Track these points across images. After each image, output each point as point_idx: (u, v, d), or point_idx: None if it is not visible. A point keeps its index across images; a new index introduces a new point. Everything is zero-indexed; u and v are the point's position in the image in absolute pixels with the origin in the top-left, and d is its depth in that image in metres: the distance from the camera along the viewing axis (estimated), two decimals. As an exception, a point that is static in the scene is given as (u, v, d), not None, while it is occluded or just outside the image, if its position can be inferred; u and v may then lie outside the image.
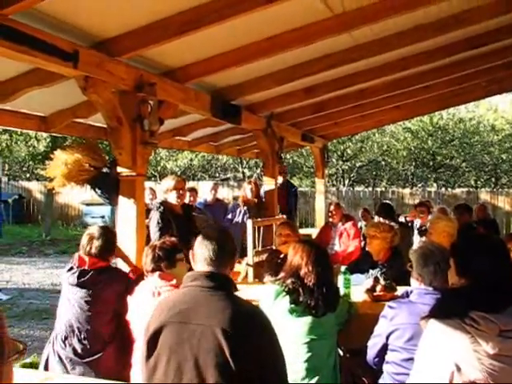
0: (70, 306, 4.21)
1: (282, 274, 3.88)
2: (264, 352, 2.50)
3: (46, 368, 4.22)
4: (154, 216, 5.48)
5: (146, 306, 3.52)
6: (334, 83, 7.00)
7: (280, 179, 9.32)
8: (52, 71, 4.09)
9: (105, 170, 5.25)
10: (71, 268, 4.26)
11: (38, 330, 7.85)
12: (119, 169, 4.82)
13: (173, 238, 4.17)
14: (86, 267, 4.20)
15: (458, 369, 2.31)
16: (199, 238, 2.73)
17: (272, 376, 2.53)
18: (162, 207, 5.54)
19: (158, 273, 3.87)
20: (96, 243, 4.28)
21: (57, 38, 3.74)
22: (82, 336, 4.11)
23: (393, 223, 6.46)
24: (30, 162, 25.05)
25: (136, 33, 4.20)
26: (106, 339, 4.16)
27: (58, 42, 3.73)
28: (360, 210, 9.87)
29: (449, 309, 2.54)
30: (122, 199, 4.87)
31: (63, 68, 3.90)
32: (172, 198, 5.69)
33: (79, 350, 4.10)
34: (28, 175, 26.87)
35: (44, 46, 3.58)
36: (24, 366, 5.73)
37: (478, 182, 26.16)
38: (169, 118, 5.37)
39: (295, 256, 3.81)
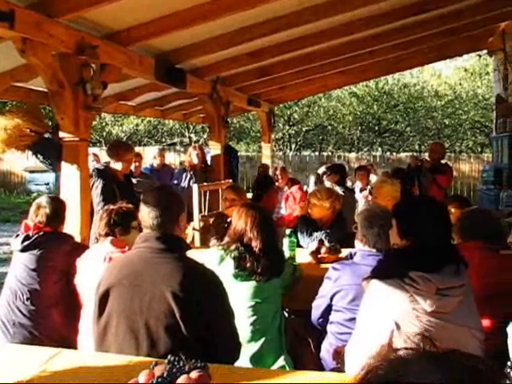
0: (16, 269, 4.14)
1: (226, 240, 3.87)
2: (215, 314, 2.54)
3: None
4: (97, 182, 5.43)
5: (96, 270, 3.47)
6: (280, 47, 6.97)
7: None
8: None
9: (47, 135, 5.12)
10: (17, 235, 4.20)
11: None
12: (61, 134, 4.71)
13: (130, 205, 4.13)
14: (30, 233, 4.15)
15: (398, 327, 2.40)
16: (144, 201, 2.71)
17: (223, 336, 2.59)
18: (104, 173, 5.50)
19: (110, 238, 3.81)
20: (42, 211, 4.22)
21: (-10, -3, 3.58)
22: (25, 297, 4.03)
23: (337, 188, 6.55)
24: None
25: (76, -7, 4.07)
26: (52, 301, 4.09)
27: (-9, 0, 3.57)
28: (307, 174, 9.89)
29: (389, 269, 2.62)
30: (65, 165, 4.77)
31: (-2, 29, 3.75)
32: (118, 166, 5.66)
33: (24, 312, 4.02)
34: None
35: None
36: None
37: (422, 147, 26.61)
38: (112, 82, 5.25)
39: (239, 221, 3.78)
